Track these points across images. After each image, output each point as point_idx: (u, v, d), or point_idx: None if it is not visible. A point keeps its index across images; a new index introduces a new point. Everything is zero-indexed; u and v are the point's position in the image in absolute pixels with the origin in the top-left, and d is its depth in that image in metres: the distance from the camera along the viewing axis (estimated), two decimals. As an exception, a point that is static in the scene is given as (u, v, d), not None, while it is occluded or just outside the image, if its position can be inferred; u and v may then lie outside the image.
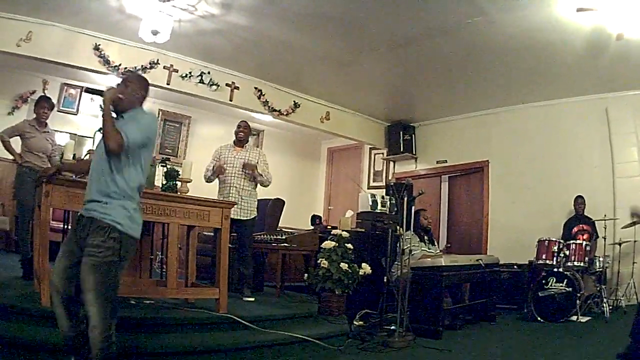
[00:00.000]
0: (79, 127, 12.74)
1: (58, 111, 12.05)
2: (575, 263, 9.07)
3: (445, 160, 13.69)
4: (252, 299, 7.87)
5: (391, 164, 14.91)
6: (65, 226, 7.64)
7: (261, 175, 8.35)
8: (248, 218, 8.32)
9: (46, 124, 8.31)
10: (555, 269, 8.97)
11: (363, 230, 9.43)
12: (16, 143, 8.15)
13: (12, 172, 10.28)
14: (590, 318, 8.70)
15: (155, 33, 8.47)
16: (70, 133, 12.43)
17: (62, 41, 9.37)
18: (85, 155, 7.01)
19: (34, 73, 11.75)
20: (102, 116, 3.96)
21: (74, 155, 6.68)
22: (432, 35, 8.93)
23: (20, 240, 7.88)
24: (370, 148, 15.46)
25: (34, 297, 5.83)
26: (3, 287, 6.66)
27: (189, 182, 7.06)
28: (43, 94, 8.69)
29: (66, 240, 4.05)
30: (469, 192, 13.44)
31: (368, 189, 15.10)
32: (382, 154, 14.97)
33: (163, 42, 8.89)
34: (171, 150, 13.82)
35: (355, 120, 14.00)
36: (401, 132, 14.12)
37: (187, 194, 6.87)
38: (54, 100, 10.82)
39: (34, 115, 8.32)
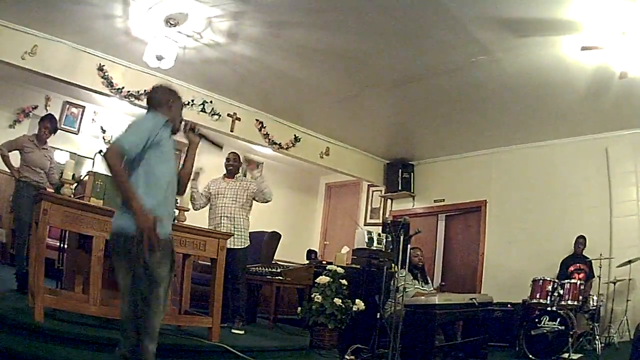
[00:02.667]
0: (79, 146, 12.75)
1: (59, 129, 12.02)
2: (569, 302, 9.04)
3: (443, 200, 13.70)
4: (242, 332, 7.84)
5: (389, 201, 14.93)
6: (62, 245, 7.60)
7: (262, 177, 8.41)
8: (241, 247, 8.33)
9: (46, 141, 8.43)
10: (549, 308, 8.98)
11: (358, 266, 9.43)
12: (15, 157, 8.25)
13: (9, 184, 10.35)
14: (581, 355, 8.67)
15: (160, 58, 8.51)
16: (70, 152, 12.44)
17: (66, 58, 9.38)
18: (85, 176, 7.02)
19: (37, 88, 11.78)
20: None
21: (73, 175, 6.72)
22: (436, 73, 8.99)
23: (17, 254, 7.92)
24: (368, 185, 15.49)
25: (27, 311, 5.84)
26: None
27: (187, 210, 7.12)
28: (50, 113, 8.66)
29: (167, 271, 3.80)
30: (465, 232, 13.46)
31: (365, 225, 15.14)
32: (380, 191, 14.98)
33: (167, 68, 8.92)
34: (172, 176, 13.77)
35: (355, 157, 14.05)
36: (400, 170, 14.17)
37: (184, 223, 6.92)
38: (56, 116, 10.96)
39: (35, 131, 8.44)
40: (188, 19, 8.11)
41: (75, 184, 6.92)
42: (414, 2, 7.08)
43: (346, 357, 7.49)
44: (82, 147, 12.72)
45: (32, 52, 8.92)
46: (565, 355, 8.47)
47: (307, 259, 11.16)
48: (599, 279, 9.67)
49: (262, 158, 14.40)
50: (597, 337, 8.90)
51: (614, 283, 9.60)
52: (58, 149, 11.27)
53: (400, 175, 14.16)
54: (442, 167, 13.96)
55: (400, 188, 14.12)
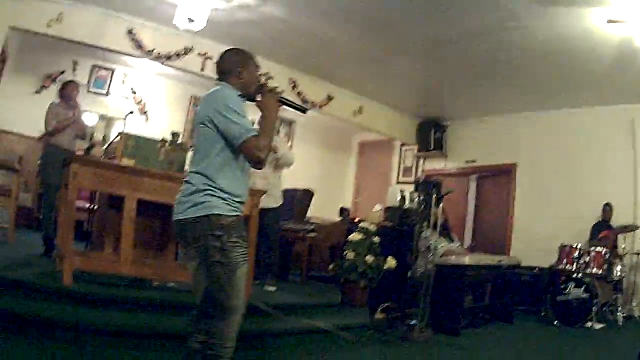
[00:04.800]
0: (108, 108, 12.88)
1: (88, 92, 12.25)
2: (594, 270, 9.12)
3: (474, 160, 13.78)
4: (274, 289, 7.91)
5: (421, 160, 14.97)
6: (92, 206, 7.78)
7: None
8: (274, 206, 8.25)
9: (75, 103, 8.33)
10: (575, 275, 9.08)
11: (390, 224, 9.48)
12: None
13: (35, 149, 10.42)
14: (604, 325, 8.77)
15: (190, 20, 8.56)
16: (100, 114, 12.63)
17: (94, 23, 9.48)
18: (116, 137, 7.06)
19: (65, 54, 11.84)
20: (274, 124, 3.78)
21: (104, 136, 6.78)
22: (466, 37, 9.04)
23: (44, 219, 7.98)
24: (401, 143, 15.52)
25: (54, 275, 5.96)
26: (24, 265, 6.75)
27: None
28: (69, 79, 8.72)
29: (244, 253, 3.58)
30: (496, 193, 13.54)
31: (397, 184, 15.27)
32: (413, 150, 15.01)
33: (198, 30, 8.98)
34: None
35: (388, 115, 14.08)
36: (432, 129, 14.17)
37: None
38: (85, 82, 11.03)
39: (61, 98, 8.34)
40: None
41: (106, 145, 6.95)
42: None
43: (376, 315, 7.54)
44: (111, 109, 12.86)
45: (58, 19, 9.00)
46: (589, 324, 8.61)
47: (340, 216, 11.23)
48: (623, 249, 9.80)
49: (295, 117, 14.46)
50: (620, 308, 9.07)
51: (638, 254, 9.71)
52: (87, 111, 11.31)
53: (432, 134, 14.17)
54: (473, 128, 13.97)
55: (432, 147, 14.14)
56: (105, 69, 12.85)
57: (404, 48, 9.95)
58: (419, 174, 14.79)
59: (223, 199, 3.49)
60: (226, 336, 3.45)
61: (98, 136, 6.46)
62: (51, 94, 11.36)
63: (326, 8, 8.77)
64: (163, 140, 6.80)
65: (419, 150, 14.66)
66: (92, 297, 5.61)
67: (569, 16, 7.78)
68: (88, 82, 12.52)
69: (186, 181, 3.65)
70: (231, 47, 4.01)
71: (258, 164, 3.51)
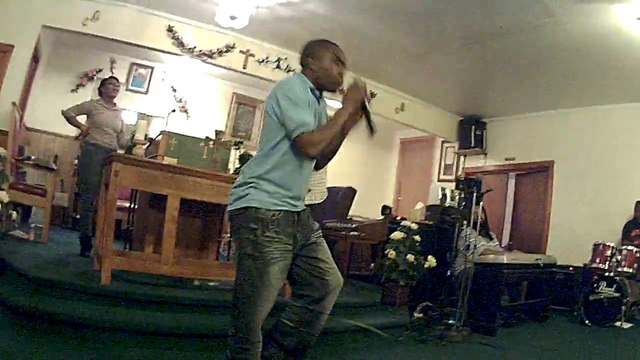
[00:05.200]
0: (148, 106, 13.06)
1: (127, 90, 12.42)
2: (625, 269, 9.18)
3: (514, 158, 13.86)
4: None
5: (462, 158, 15.03)
6: (133, 205, 7.84)
7: None
8: (322, 200, 7.81)
9: (114, 102, 8.38)
10: (606, 273, 9.13)
11: (431, 222, 9.56)
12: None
13: (71, 148, 10.58)
14: (632, 325, 8.84)
15: (233, 18, 8.66)
16: (139, 112, 12.81)
17: (132, 21, 9.60)
18: (158, 136, 7.12)
19: (102, 52, 12.03)
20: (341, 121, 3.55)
21: (146, 135, 6.81)
22: (504, 34, 9.16)
23: (82, 218, 7.97)
24: (442, 141, 15.62)
25: (92, 276, 6.08)
26: (61, 264, 6.82)
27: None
28: (111, 74, 8.85)
29: (281, 250, 3.49)
30: (533, 191, 13.59)
31: (438, 181, 15.31)
32: (454, 147, 15.09)
33: (241, 28, 9.12)
34: (244, 133, 14.18)
35: (429, 113, 14.22)
36: (473, 127, 14.25)
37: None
38: (123, 80, 11.30)
39: (98, 97, 8.40)
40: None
41: (147, 144, 6.99)
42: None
43: (415, 314, 7.63)
44: (151, 107, 13.05)
45: (94, 17, 9.14)
46: (618, 323, 8.68)
47: (382, 214, 11.31)
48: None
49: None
50: None
51: None
52: (126, 109, 11.27)
53: (473, 132, 14.24)
54: (513, 125, 14.05)
55: (472, 145, 14.22)
56: (145, 66, 13.01)
57: (445, 44, 10.10)
58: (460, 171, 14.84)
59: (268, 192, 3.45)
60: (250, 329, 3.44)
61: (140, 136, 6.47)
62: (88, 92, 11.76)
63: (368, 4, 8.93)
64: (207, 139, 6.83)
65: (459, 148, 14.73)
66: (130, 296, 5.68)
67: (602, 12, 7.90)
68: (127, 80, 12.71)
69: (242, 171, 3.66)
70: (310, 40, 3.94)
71: (306, 156, 3.48)
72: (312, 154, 3.45)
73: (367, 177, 15.73)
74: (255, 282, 3.39)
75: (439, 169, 15.73)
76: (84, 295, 5.51)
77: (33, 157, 9.69)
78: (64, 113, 8.02)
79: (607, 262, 9.28)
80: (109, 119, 8.17)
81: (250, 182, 3.48)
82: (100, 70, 12.30)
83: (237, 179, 3.63)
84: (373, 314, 7.45)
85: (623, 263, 9.20)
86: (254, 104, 14.38)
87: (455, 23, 9.13)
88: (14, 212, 8.40)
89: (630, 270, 9.17)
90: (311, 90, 3.64)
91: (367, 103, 3.68)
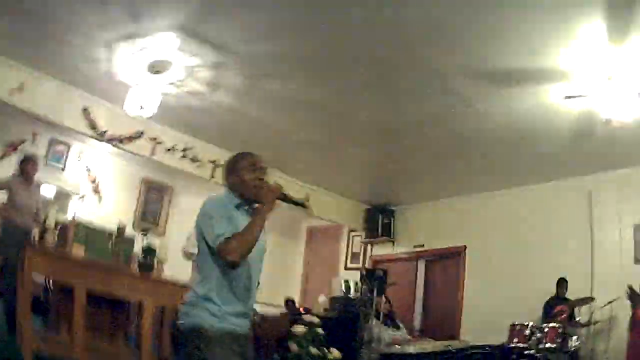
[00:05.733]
0: (65, 182, 12.84)
1: (45, 165, 12.08)
2: (547, 345, 9.04)
3: (423, 245, 13.72)
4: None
5: (369, 246, 14.97)
6: (48, 284, 7.72)
7: None
8: None
9: (32, 180, 8.54)
10: (527, 351, 9.02)
11: (335, 314, 9.48)
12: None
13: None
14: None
15: (142, 108, 8.59)
16: (57, 186, 12.60)
17: (53, 97, 9.44)
18: (69, 222, 7.22)
19: (24, 124, 11.65)
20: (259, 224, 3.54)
21: (56, 223, 6.88)
22: (417, 124, 9.25)
23: (7, 293, 7.69)
24: (349, 230, 15.50)
25: (17, 355, 6.04)
26: None
27: (165, 262, 7.24)
28: (32, 155, 8.84)
29: None
30: (445, 276, 13.47)
31: (346, 269, 15.17)
32: (361, 236, 15.00)
33: (148, 117, 9.03)
34: (152, 218, 13.97)
35: (335, 202, 14.11)
36: (380, 215, 14.22)
37: (162, 275, 7.08)
38: (43, 152, 11.58)
39: (18, 174, 8.53)
40: (171, 67, 8.25)
41: (59, 227, 7.08)
42: (393, 54, 7.29)
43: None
44: (68, 184, 12.87)
45: (19, 88, 8.96)
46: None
47: (286, 307, 11.19)
48: (579, 320, 9.85)
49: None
50: None
51: (594, 324, 9.72)
52: (45, 183, 11.49)
53: (380, 220, 14.22)
54: (422, 212, 14.02)
55: (380, 233, 14.16)
56: (63, 143, 12.77)
57: (354, 136, 10.11)
58: (367, 259, 14.83)
59: (211, 311, 3.43)
60: None
61: (51, 221, 6.61)
62: (13, 162, 11.01)
63: (275, 97, 8.95)
64: (110, 234, 6.98)
65: (366, 237, 14.71)
66: None
67: (523, 95, 7.95)
68: (46, 154, 12.46)
69: (190, 289, 3.66)
70: (232, 155, 4.00)
71: (230, 266, 3.44)
72: (232, 260, 3.39)
73: (273, 266, 15.27)
74: None
75: (346, 257, 15.52)
76: None
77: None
78: None
79: (527, 341, 9.17)
80: (26, 200, 8.44)
81: (196, 302, 3.49)
82: (23, 142, 12.03)
83: (187, 296, 3.62)
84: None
85: (544, 340, 9.07)
86: (161, 189, 14.24)
87: (363, 116, 9.17)
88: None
89: (554, 346, 9.04)
90: (238, 205, 3.68)
91: (284, 195, 3.72)
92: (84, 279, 6.31)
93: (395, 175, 12.41)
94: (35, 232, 8.12)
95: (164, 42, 7.60)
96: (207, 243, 3.48)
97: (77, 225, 6.86)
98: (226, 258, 3.37)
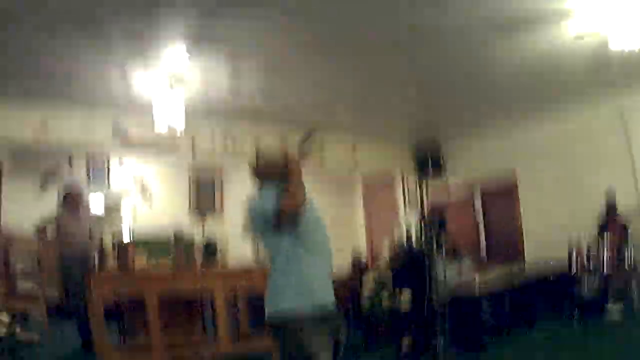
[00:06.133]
0: (113, 194, 12.98)
1: (88, 185, 12.24)
2: (606, 261, 9.30)
3: (476, 178, 14.02)
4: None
5: (423, 187, 15.05)
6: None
7: None
8: None
9: (78, 208, 8.51)
10: (587, 269, 9.31)
11: (401, 263, 9.68)
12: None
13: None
14: (621, 312, 8.94)
15: (171, 127, 8.82)
16: (104, 203, 12.73)
17: (79, 124, 9.71)
18: (125, 243, 7.41)
19: (58, 150, 11.61)
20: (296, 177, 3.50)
21: (113, 244, 7.04)
22: (451, 67, 9.36)
23: (75, 317, 8.10)
24: (402, 175, 15.75)
25: None
26: None
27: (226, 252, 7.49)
28: (69, 185, 8.96)
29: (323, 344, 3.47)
30: (502, 207, 13.77)
31: (405, 215, 15.46)
32: (414, 179, 15.07)
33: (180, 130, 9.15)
34: (208, 203, 14.08)
35: (383, 149, 14.31)
36: (429, 156, 14.30)
37: (226, 262, 7.34)
38: (82, 174, 11.79)
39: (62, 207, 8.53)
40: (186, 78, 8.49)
41: (117, 247, 7.27)
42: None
43: (403, 347, 7.78)
44: (114, 197, 13.02)
45: (42, 127, 9.31)
46: (608, 314, 8.85)
47: (352, 267, 11.38)
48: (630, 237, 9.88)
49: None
50: (636, 290, 9.23)
51: None
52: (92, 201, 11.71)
53: (430, 161, 14.31)
54: (469, 147, 14.09)
55: (432, 174, 14.26)
56: (101, 159, 12.83)
57: (390, 83, 10.19)
58: (424, 200, 14.96)
59: (298, 292, 3.46)
60: None
61: (107, 241, 6.79)
62: (52, 190, 11.35)
63: (301, 70, 9.11)
64: (168, 240, 7.20)
65: (419, 178, 14.78)
66: None
67: (538, 34, 8.05)
68: (87, 174, 12.62)
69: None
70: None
71: (296, 222, 3.44)
72: (296, 208, 3.40)
73: (335, 225, 15.50)
74: None
75: (404, 202, 15.78)
76: None
77: (19, 267, 9.89)
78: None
79: (586, 261, 9.49)
80: (76, 229, 8.32)
81: (275, 286, 3.53)
82: (60, 165, 12.10)
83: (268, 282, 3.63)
84: (358, 355, 7.62)
85: (602, 256, 9.39)
86: (211, 172, 14.25)
87: (398, 63, 9.28)
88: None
89: (611, 263, 9.33)
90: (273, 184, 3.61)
91: (302, 150, 3.70)
92: (152, 286, 6.50)
93: (435, 116, 12.53)
94: (94, 258, 8.10)
95: (176, 56, 7.83)
96: (264, 231, 3.52)
97: (135, 242, 7.04)
98: (291, 207, 3.36)
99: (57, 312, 10.78)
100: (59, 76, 8.44)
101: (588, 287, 9.06)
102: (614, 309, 8.85)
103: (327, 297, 3.61)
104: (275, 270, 3.57)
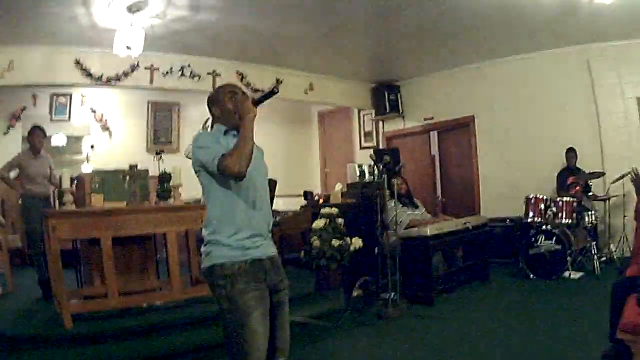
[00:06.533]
0: (73, 129, 13.03)
1: (51, 121, 12.44)
2: (564, 220, 9.20)
3: (432, 117, 13.81)
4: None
5: (380, 123, 15.04)
6: (75, 244, 7.98)
7: None
8: None
9: (39, 150, 8.58)
10: (544, 227, 9.16)
11: (354, 201, 9.58)
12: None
13: (14, 192, 10.61)
14: (582, 274, 8.94)
15: (128, 48, 8.62)
16: (66, 135, 12.83)
17: (43, 63, 9.68)
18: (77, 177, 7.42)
19: (22, 90, 11.78)
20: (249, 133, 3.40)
21: (71, 179, 6.99)
22: (403, 5, 8.97)
23: (36, 264, 8.16)
24: (358, 109, 15.56)
25: (57, 321, 6.29)
26: (27, 314, 7.12)
27: (180, 186, 7.40)
28: (37, 125, 8.83)
29: (256, 298, 3.42)
30: (458, 147, 13.65)
31: (360, 149, 15.45)
32: (371, 114, 15.06)
33: (137, 55, 9.07)
34: (164, 138, 14.09)
35: (340, 86, 14.07)
36: (386, 93, 14.18)
37: (180, 200, 7.28)
38: (46, 112, 11.77)
39: (27, 149, 8.65)
40: (148, 3, 8.25)
41: (75, 181, 7.32)
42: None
43: (354, 292, 7.71)
44: (76, 129, 13.10)
45: (10, 67, 9.25)
46: (566, 274, 8.76)
47: (304, 199, 11.34)
48: (591, 195, 9.95)
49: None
50: (595, 255, 9.11)
51: (609, 199, 9.79)
52: (54, 134, 12.09)
53: (387, 97, 14.20)
54: (427, 85, 13.99)
55: (388, 110, 14.18)
56: (63, 95, 12.88)
57: (347, 23, 9.88)
58: (380, 136, 14.94)
59: (228, 245, 3.41)
60: None
61: (65, 182, 6.74)
62: (18, 132, 11.94)
63: (259, 4, 8.77)
64: (124, 172, 7.20)
65: (376, 114, 14.73)
66: (92, 335, 6.06)
67: None
68: (50, 111, 12.71)
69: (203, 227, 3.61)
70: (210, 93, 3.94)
71: (238, 179, 3.36)
72: (236, 171, 3.30)
73: (291, 154, 15.66)
74: (240, 334, 3.35)
75: (359, 136, 15.69)
76: (55, 342, 5.94)
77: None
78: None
79: (543, 215, 9.35)
80: (37, 169, 8.48)
81: (209, 240, 3.47)
82: (24, 108, 12.33)
83: (203, 235, 3.58)
84: (309, 304, 7.52)
85: (560, 215, 9.24)
86: (169, 107, 14.24)
87: (352, 5, 8.94)
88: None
89: (570, 221, 9.22)
90: (226, 132, 3.64)
91: (255, 99, 3.58)
92: (107, 228, 6.50)
93: (395, 53, 12.19)
94: (54, 197, 8.55)
95: None
96: (207, 171, 3.45)
97: (92, 174, 7.03)
98: (230, 170, 3.29)
99: (21, 260, 10.87)
100: (24, 17, 8.40)
101: (543, 246, 8.96)
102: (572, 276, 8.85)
103: (262, 246, 3.57)
104: (211, 221, 3.53)
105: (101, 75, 10.12)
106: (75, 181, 7.42)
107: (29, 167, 8.38)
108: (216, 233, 3.46)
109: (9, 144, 10.59)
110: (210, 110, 3.80)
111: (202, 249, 3.53)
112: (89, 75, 10.00)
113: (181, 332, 6.30)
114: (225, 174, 3.34)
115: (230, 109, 3.66)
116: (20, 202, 8.84)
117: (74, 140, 12.97)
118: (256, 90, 11.69)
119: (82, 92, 13.07)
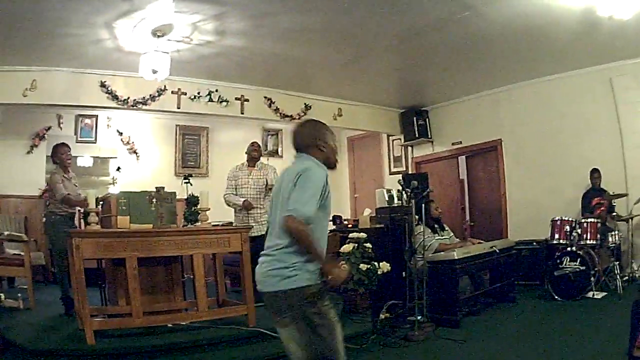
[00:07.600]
0: (100, 150, 13.08)
1: (77, 142, 12.46)
2: (588, 241, 9.25)
3: (460, 141, 13.86)
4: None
5: (409, 148, 15.09)
6: (100, 265, 8.09)
7: None
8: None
9: (69, 168, 8.54)
10: (569, 248, 9.17)
11: (382, 226, 9.65)
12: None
13: (38, 207, 10.73)
14: (606, 293, 8.92)
15: (154, 72, 8.68)
16: (92, 157, 12.96)
17: (67, 84, 9.83)
18: (105, 195, 7.44)
19: (47, 110, 11.89)
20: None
21: (97, 200, 7.03)
22: (425, 31, 9.02)
23: (60, 281, 8.13)
24: (387, 135, 15.56)
25: (78, 336, 6.30)
26: (49, 329, 7.07)
27: (208, 210, 7.49)
28: (62, 142, 8.84)
29: (335, 314, 3.76)
30: (486, 171, 13.64)
31: (390, 174, 15.43)
32: (400, 139, 15.14)
33: (163, 79, 9.13)
34: (193, 162, 14.15)
35: (368, 112, 14.20)
36: (415, 118, 14.27)
37: (207, 223, 7.35)
38: (72, 132, 11.87)
39: (56, 164, 8.54)
40: (174, 28, 8.35)
41: (101, 202, 7.30)
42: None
43: (381, 315, 7.78)
44: (102, 151, 13.11)
45: (32, 87, 9.38)
46: (590, 294, 8.74)
47: (334, 225, 11.40)
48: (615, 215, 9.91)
49: (280, 125, 14.54)
50: (618, 275, 9.06)
51: (632, 218, 9.74)
52: (80, 156, 12.22)
53: (415, 122, 14.25)
54: (454, 110, 14.05)
55: (417, 135, 14.21)
56: (89, 116, 12.91)
57: (371, 49, 10.01)
58: (409, 161, 14.99)
59: (310, 270, 3.60)
60: None
61: (92, 203, 6.76)
62: (42, 151, 11.85)
63: (282, 30, 8.90)
64: (150, 194, 7.14)
65: (405, 140, 14.78)
66: (113, 351, 6.09)
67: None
68: (75, 132, 12.72)
69: (272, 255, 3.71)
70: (306, 120, 4.17)
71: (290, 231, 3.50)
72: (287, 228, 3.50)
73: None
74: (334, 346, 3.63)
75: (389, 161, 15.70)
76: (75, 357, 6.03)
77: (6, 233, 9.86)
78: (63, 201, 8.12)
79: (569, 237, 9.38)
80: (72, 188, 8.34)
81: (295, 264, 3.58)
82: (49, 128, 12.31)
83: (274, 262, 3.68)
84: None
85: (585, 236, 9.29)
86: (197, 132, 14.31)
87: (372, 30, 9.05)
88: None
89: (594, 242, 9.26)
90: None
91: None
92: (132, 249, 6.56)
93: (422, 77, 12.27)
94: (79, 217, 8.68)
95: (160, 8, 7.64)
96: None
97: (118, 196, 7.06)
98: (288, 225, 3.46)
99: (44, 277, 10.97)
100: (47, 38, 8.50)
101: (568, 268, 8.99)
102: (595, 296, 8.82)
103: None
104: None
105: (127, 99, 10.22)
106: (102, 202, 7.44)
107: (68, 189, 8.19)
108: (304, 260, 3.62)
109: (34, 164, 10.99)
110: (314, 141, 3.87)
111: (283, 271, 3.61)
112: (115, 97, 10.11)
113: (206, 351, 6.39)
114: (290, 221, 3.49)
115: (334, 151, 3.96)
116: (44, 220, 8.71)
117: (101, 162, 13.04)
118: (285, 116, 11.84)
119: (108, 115, 13.09)
